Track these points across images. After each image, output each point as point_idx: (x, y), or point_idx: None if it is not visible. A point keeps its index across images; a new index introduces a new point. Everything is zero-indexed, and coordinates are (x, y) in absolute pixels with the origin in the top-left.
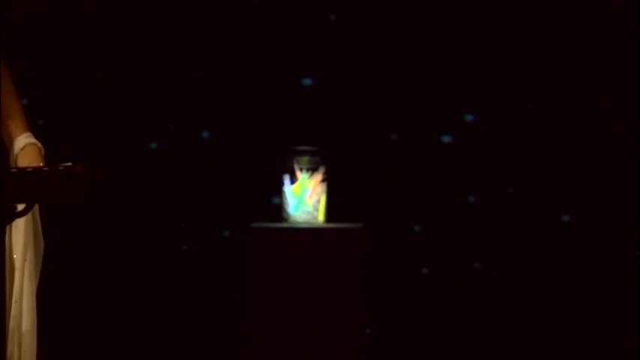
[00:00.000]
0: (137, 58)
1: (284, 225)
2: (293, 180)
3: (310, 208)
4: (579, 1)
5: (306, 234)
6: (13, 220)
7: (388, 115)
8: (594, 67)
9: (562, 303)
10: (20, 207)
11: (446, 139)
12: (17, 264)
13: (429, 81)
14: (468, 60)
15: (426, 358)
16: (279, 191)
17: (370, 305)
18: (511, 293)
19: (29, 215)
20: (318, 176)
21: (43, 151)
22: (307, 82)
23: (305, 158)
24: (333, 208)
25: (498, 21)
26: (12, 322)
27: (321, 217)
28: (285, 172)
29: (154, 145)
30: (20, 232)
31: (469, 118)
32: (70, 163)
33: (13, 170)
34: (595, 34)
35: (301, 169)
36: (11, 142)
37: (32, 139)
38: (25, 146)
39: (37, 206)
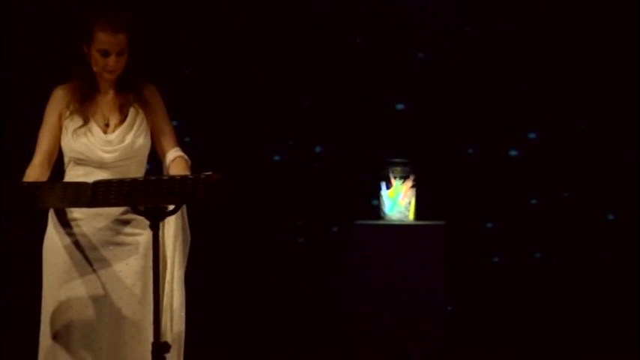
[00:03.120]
0: (262, 90)
1: (381, 222)
2: (388, 185)
3: (402, 209)
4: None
5: (399, 229)
6: (165, 218)
7: (465, 133)
8: (631, 95)
9: (606, 285)
10: (170, 207)
11: (512, 152)
12: (168, 253)
13: (498, 106)
14: (530, 90)
15: (496, 329)
16: (377, 195)
17: (451, 286)
18: (566, 278)
19: (178, 213)
20: (409, 182)
21: (189, 162)
22: (400, 106)
23: (398, 168)
24: (421, 209)
25: (555, 59)
26: (165, 300)
27: (411, 215)
28: (382, 179)
29: (276, 158)
30: (171, 227)
31: (531, 135)
32: (209, 172)
33: (165, 178)
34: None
35: (395, 177)
36: (164, 155)
37: (180, 153)
38: (174, 158)
39: (184, 206)
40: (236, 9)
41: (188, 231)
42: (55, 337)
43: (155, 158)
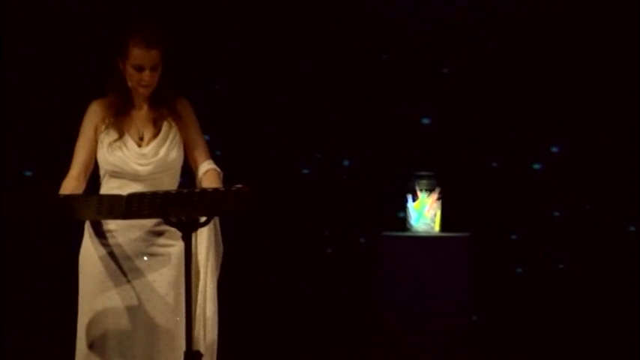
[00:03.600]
0: (291, 105)
1: (407, 234)
2: (414, 198)
3: (428, 220)
4: None
5: (425, 241)
6: (197, 229)
7: (489, 147)
8: None
9: (628, 296)
10: (202, 219)
11: (536, 165)
12: (201, 263)
13: (522, 120)
14: (553, 105)
15: (520, 337)
16: (403, 207)
17: (476, 297)
18: (588, 288)
19: (210, 224)
20: (435, 195)
21: (221, 175)
22: (425, 121)
23: (424, 181)
24: (446, 221)
25: (578, 74)
26: (198, 310)
27: (436, 227)
28: (409, 191)
29: (305, 171)
30: (203, 239)
31: (554, 149)
32: (240, 185)
33: (197, 190)
34: None
35: (421, 190)
36: (196, 167)
37: (212, 166)
38: (207, 171)
39: (217, 218)
40: (266, 27)
41: (220, 242)
42: (91, 345)
43: (188, 171)
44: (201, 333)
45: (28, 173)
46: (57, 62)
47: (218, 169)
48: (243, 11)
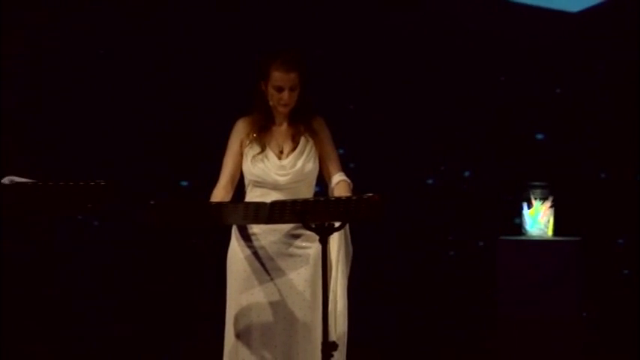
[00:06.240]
0: (416, 122)
1: (523, 238)
2: (529, 205)
3: (542, 226)
4: None
5: (539, 244)
6: (332, 233)
7: (598, 160)
8: None
9: None
10: (337, 224)
11: None
12: (333, 263)
13: (627, 135)
14: None
15: (627, 330)
16: (519, 214)
17: (586, 295)
18: None
19: (342, 229)
20: (548, 203)
21: (351, 186)
22: (540, 136)
23: (538, 190)
24: (558, 226)
25: None
26: (330, 305)
27: (550, 232)
28: (524, 200)
29: (430, 181)
30: (335, 241)
31: None
32: (371, 194)
33: (332, 198)
34: None
35: (535, 198)
36: (329, 178)
37: (344, 177)
38: (339, 182)
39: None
40: (391, 53)
41: (350, 245)
42: (238, 336)
43: (322, 181)
44: (333, 326)
45: (184, 183)
46: (205, 88)
47: (349, 181)
48: (373, 41)
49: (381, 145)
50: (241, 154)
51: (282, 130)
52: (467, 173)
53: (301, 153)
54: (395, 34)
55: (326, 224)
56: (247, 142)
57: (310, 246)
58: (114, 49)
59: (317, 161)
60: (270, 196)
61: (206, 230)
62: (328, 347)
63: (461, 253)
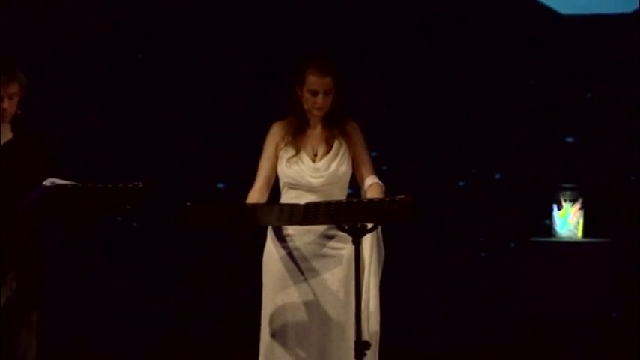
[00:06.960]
0: (448, 127)
1: (553, 239)
2: (559, 207)
3: (572, 227)
4: None
5: (569, 245)
6: (365, 234)
7: (627, 163)
8: None
9: None
10: (369, 225)
11: None
12: (366, 264)
13: None
14: None
15: None
16: (549, 215)
17: (615, 295)
18: None
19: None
20: (577, 205)
21: (383, 188)
22: (569, 139)
23: (568, 192)
24: (588, 228)
25: None
26: (363, 305)
27: (579, 233)
28: (554, 202)
29: (461, 184)
30: (368, 242)
31: None
32: (403, 196)
33: (365, 200)
34: None
35: (565, 200)
36: (362, 181)
37: (376, 180)
38: (371, 184)
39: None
40: (424, 57)
41: (382, 246)
42: (273, 334)
43: (355, 184)
44: (366, 325)
45: (221, 185)
46: (242, 92)
47: (381, 183)
48: (406, 45)
49: (412, 148)
50: (276, 157)
51: (316, 133)
52: (498, 176)
53: (335, 156)
54: (428, 38)
55: (359, 225)
56: (282, 145)
57: (344, 247)
58: (152, 52)
59: (350, 164)
60: (304, 198)
61: (242, 232)
62: (361, 346)
63: (492, 253)
